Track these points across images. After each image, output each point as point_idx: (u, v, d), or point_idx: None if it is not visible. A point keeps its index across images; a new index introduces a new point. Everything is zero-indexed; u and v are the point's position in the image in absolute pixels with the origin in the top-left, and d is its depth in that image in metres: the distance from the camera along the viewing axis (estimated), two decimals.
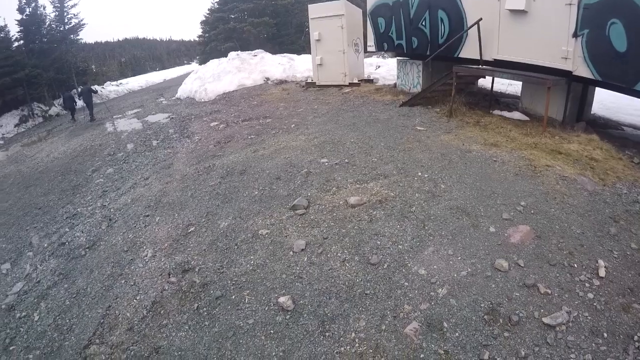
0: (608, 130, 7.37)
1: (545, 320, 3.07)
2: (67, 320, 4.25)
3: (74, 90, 20.90)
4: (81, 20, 28.44)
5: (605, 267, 3.53)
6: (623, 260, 3.64)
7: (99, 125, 14.75)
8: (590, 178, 5.00)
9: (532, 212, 4.30)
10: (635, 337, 2.93)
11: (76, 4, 27.96)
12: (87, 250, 5.53)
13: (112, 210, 6.56)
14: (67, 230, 6.41)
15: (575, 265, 3.57)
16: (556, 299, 3.26)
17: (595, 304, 3.21)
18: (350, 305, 3.48)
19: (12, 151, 15.12)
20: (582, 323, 3.06)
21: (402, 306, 3.38)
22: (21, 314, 4.65)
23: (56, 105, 23.62)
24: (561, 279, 3.44)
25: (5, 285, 5.42)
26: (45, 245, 6.19)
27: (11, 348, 4.14)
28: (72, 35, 28.48)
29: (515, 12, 6.92)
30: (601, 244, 3.83)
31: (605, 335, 2.97)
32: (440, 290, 3.46)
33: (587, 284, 3.38)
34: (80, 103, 18.85)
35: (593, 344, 2.90)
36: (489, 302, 3.27)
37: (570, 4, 6.00)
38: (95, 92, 18.18)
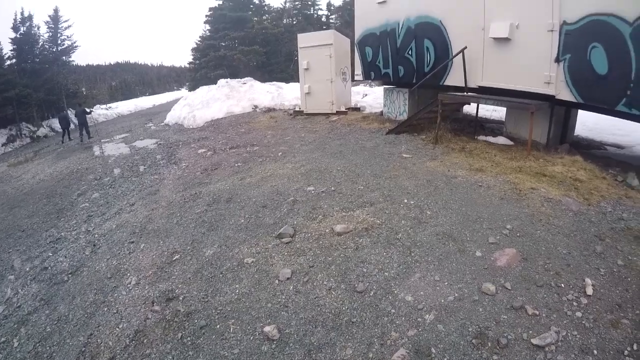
0: (591, 150, 7.54)
1: (534, 341, 3.04)
2: (48, 348, 4.10)
3: (66, 111, 20.98)
4: (74, 42, 28.80)
5: (592, 285, 3.54)
6: (610, 277, 3.65)
7: (87, 148, 14.69)
8: (574, 198, 5.06)
9: (518, 234, 4.33)
10: (626, 352, 2.91)
11: (70, 26, 28.28)
12: (69, 275, 5.39)
13: (96, 235, 6.44)
14: (50, 254, 6.27)
15: (563, 285, 3.57)
16: (544, 320, 3.23)
17: (584, 322, 3.19)
18: (337, 333, 3.42)
19: None
20: (572, 342, 3.03)
21: (389, 333, 3.32)
22: (0, 340, 4.49)
23: (44, 126, 23.55)
24: (549, 299, 3.43)
25: None
26: (27, 269, 6.04)
27: None
28: (64, 57, 28.69)
29: (499, 40, 7.16)
30: (588, 263, 3.85)
31: (595, 352, 2.94)
32: (427, 316, 3.42)
33: (574, 303, 3.37)
34: (72, 124, 19.17)
35: None
36: (477, 326, 3.24)
37: (552, 31, 6.24)
38: (89, 113, 18.58)
